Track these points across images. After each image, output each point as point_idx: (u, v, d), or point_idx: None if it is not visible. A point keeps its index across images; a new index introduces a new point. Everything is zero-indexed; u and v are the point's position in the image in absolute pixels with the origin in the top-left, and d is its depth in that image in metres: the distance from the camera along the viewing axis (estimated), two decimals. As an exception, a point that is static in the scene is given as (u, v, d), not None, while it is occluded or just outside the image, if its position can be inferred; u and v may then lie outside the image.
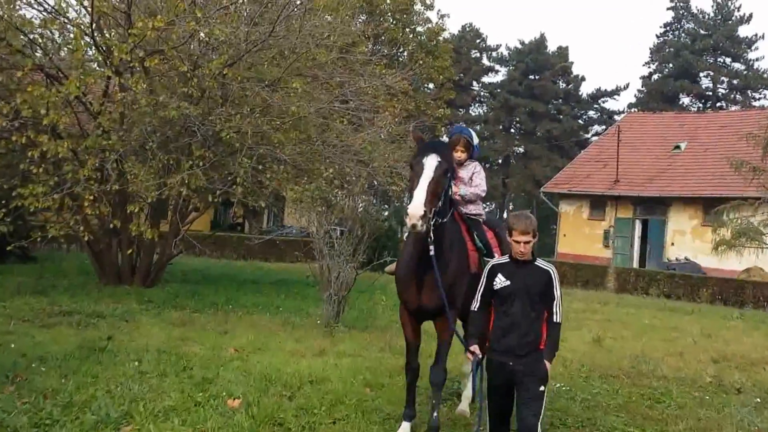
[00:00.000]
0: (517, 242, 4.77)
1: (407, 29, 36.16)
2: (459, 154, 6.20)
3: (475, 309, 5.04)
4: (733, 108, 51.00)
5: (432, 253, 5.28)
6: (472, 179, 6.32)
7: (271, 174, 13.27)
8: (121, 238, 14.19)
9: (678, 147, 37.26)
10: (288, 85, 13.62)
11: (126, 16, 12.83)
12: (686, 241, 33.17)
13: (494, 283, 4.88)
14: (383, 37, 33.48)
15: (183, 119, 12.46)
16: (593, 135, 62.15)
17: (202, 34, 13.44)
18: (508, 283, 4.83)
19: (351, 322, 11.54)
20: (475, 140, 6.43)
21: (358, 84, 15.59)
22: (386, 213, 37.41)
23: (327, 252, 11.15)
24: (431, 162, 5.28)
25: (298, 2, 14.76)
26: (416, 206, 4.99)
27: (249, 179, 12.88)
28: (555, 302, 4.83)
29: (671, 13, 63.47)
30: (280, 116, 13.68)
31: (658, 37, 64.53)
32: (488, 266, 5.07)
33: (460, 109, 55.53)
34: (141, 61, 12.23)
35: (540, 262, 4.92)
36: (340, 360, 8.23)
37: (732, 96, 59.35)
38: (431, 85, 39.81)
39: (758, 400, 7.98)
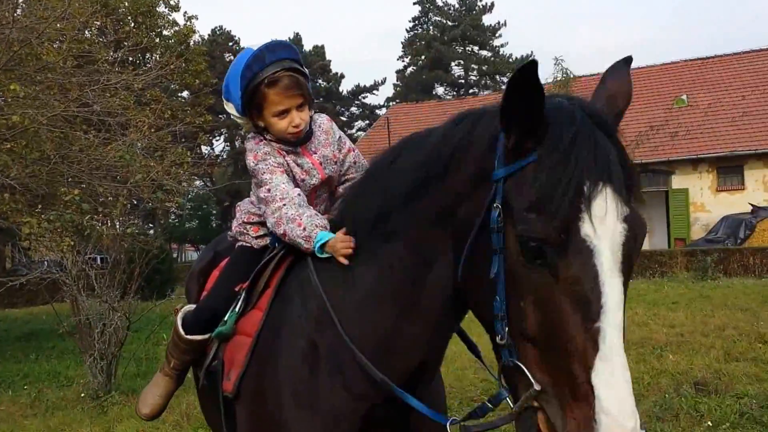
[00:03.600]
0: None
1: (153, 33, 32.83)
2: (296, 117, 2.50)
3: None
4: (486, 92, 53.34)
5: None
6: (342, 148, 2.74)
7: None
8: None
9: (447, 133, 37.79)
10: (4, 89, 10.44)
11: None
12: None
13: None
14: (126, 42, 30.10)
15: None
16: (358, 130, 62.33)
17: None
18: None
19: (129, 384, 8.79)
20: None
21: (102, 84, 12.57)
22: (152, 232, 33.86)
23: (85, 300, 8.29)
24: (616, 233, 1.55)
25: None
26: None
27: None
28: None
29: (418, 8, 65.31)
30: (-3, 130, 10.46)
31: (408, 31, 66.10)
32: None
33: (221, 115, 52.52)
34: None
35: None
36: (119, 462, 5.66)
37: (483, 82, 62.24)
38: (186, 93, 36.91)
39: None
